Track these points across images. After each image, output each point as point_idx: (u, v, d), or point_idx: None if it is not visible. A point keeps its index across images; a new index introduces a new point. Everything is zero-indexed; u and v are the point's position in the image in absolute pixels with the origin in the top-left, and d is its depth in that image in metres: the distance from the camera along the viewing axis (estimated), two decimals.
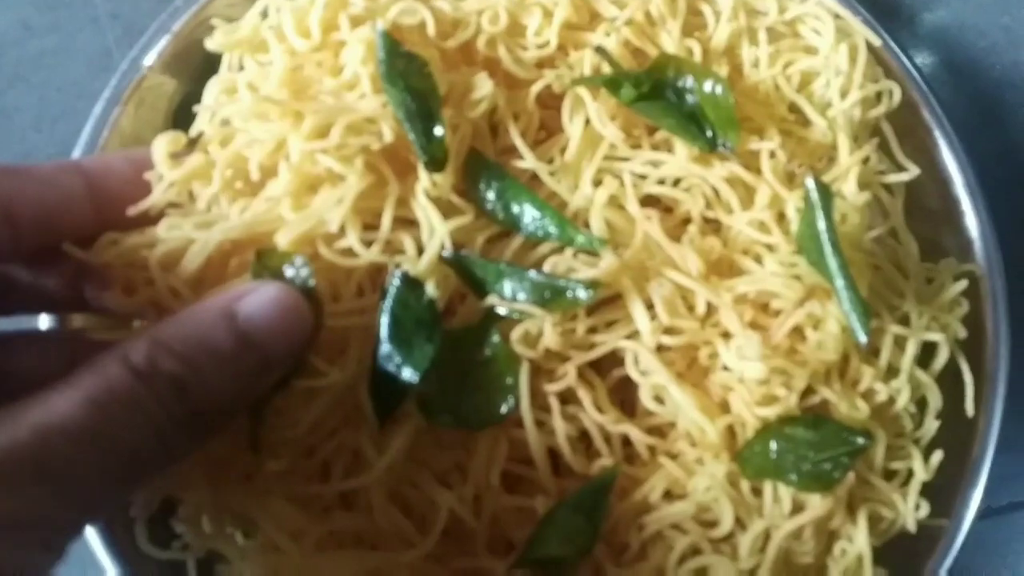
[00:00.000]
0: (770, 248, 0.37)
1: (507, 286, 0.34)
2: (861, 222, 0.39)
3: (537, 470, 0.34)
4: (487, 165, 0.36)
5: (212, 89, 0.38)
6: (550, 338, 0.34)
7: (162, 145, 0.34)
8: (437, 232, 0.33)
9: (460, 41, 0.37)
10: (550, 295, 0.34)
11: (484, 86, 0.35)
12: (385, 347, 0.32)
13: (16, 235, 0.30)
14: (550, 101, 0.39)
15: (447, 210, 0.34)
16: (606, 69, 0.38)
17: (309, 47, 0.36)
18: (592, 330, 0.35)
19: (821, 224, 0.35)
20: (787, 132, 0.40)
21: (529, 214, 0.35)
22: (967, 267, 0.42)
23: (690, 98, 0.38)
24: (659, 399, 0.35)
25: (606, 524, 0.34)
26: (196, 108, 0.38)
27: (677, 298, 0.35)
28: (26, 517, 0.24)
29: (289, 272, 0.31)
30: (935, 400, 0.40)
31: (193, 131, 0.38)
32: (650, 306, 0.35)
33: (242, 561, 0.34)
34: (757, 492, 0.35)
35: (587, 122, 0.37)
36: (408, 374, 0.32)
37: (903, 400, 0.38)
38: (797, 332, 0.36)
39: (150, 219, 0.33)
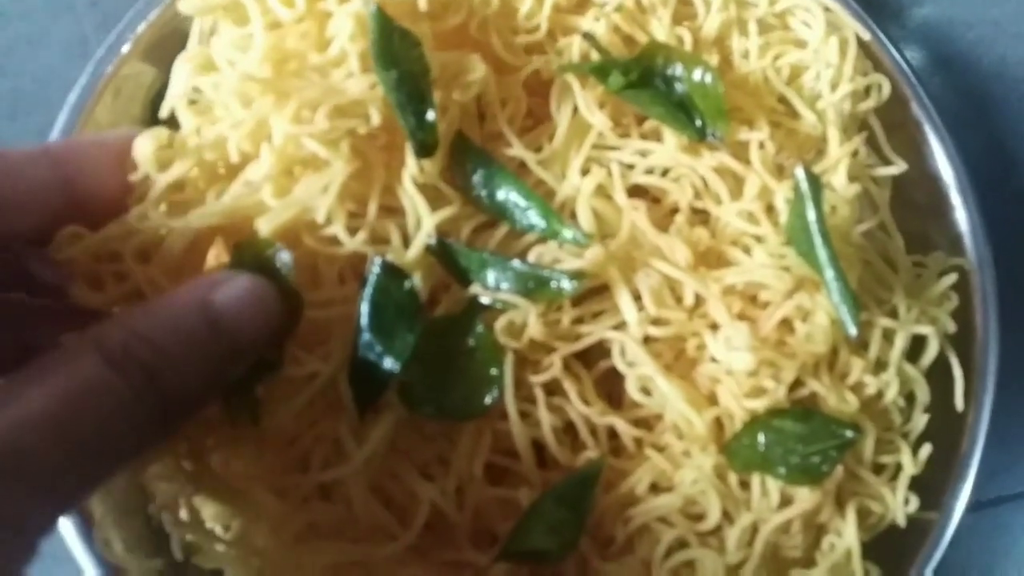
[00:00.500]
0: (759, 239, 0.37)
1: (490, 275, 0.33)
2: (851, 215, 0.39)
3: (521, 462, 0.33)
4: (474, 151, 0.35)
5: (182, 69, 0.36)
6: (535, 328, 0.33)
7: (147, 145, 0.33)
8: (424, 223, 0.32)
9: (452, 24, 0.36)
10: (534, 285, 0.33)
11: (477, 68, 0.35)
12: (365, 336, 0.31)
13: None
14: (538, 88, 0.38)
15: (434, 197, 0.33)
16: (595, 56, 0.37)
17: (293, 17, 0.34)
18: (578, 320, 0.35)
19: (811, 215, 0.35)
20: (776, 124, 0.39)
21: (515, 202, 0.35)
22: (956, 261, 0.42)
23: (679, 87, 0.38)
24: (646, 391, 0.35)
25: (591, 517, 0.33)
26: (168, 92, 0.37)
27: (664, 289, 0.35)
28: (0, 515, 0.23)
29: (270, 263, 0.30)
30: (923, 394, 0.40)
31: (163, 111, 0.36)
32: (637, 297, 0.35)
33: (220, 552, 0.33)
34: (745, 485, 0.35)
35: (575, 110, 0.37)
36: (389, 363, 0.31)
37: (892, 393, 0.38)
38: (786, 324, 0.36)
39: (123, 208, 0.32)
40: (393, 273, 0.32)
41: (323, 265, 0.32)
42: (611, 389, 0.36)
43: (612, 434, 0.35)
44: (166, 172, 0.32)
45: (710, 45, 0.40)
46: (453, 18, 0.36)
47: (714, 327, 0.35)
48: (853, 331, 0.34)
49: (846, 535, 0.36)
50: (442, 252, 0.33)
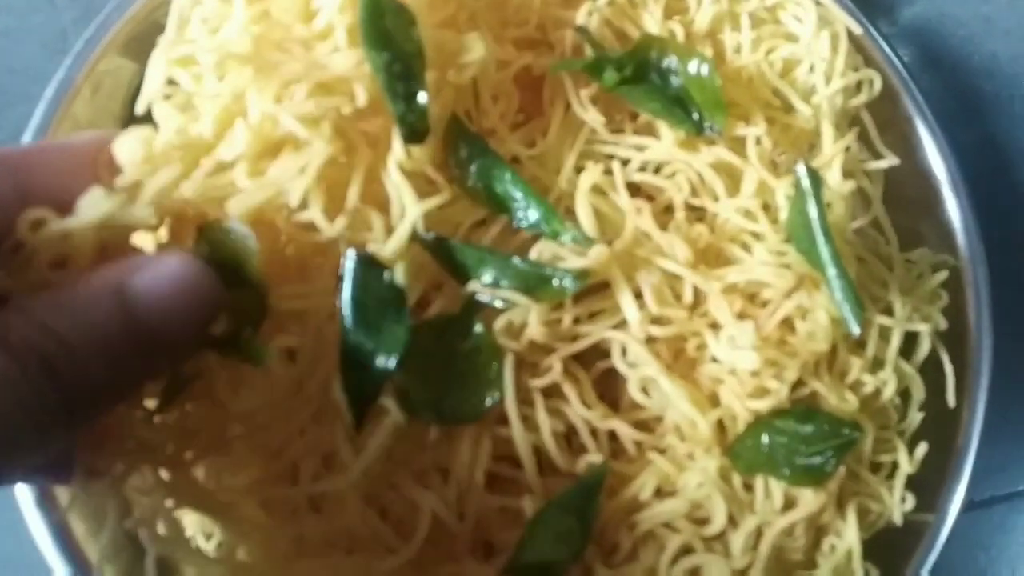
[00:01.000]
0: (758, 236, 0.36)
1: (490, 273, 0.32)
2: (846, 211, 0.39)
3: (521, 468, 0.32)
4: (470, 138, 0.34)
5: (159, 61, 0.33)
6: (535, 329, 0.32)
7: (132, 146, 0.29)
8: (409, 212, 0.30)
9: (442, 15, 0.34)
10: (535, 283, 0.32)
11: (476, 48, 0.32)
12: (352, 336, 0.29)
13: None
14: (530, 83, 0.37)
15: (423, 186, 0.31)
16: (587, 49, 0.37)
17: None
18: (576, 320, 0.34)
19: (813, 212, 0.35)
20: (770, 119, 0.39)
21: (514, 197, 0.34)
22: (943, 257, 0.42)
23: (675, 80, 0.37)
24: (646, 392, 0.34)
25: (596, 524, 0.32)
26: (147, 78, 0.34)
27: (665, 287, 0.34)
28: None
29: (233, 247, 0.28)
30: (918, 392, 0.39)
31: (140, 107, 0.34)
32: (637, 295, 0.34)
33: (203, 569, 0.32)
34: (748, 488, 0.34)
35: (568, 106, 0.36)
36: (382, 361, 0.29)
37: (889, 391, 0.38)
38: (786, 323, 0.35)
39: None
40: (369, 265, 0.30)
41: (300, 254, 0.30)
42: (606, 390, 0.35)
43: (612, 437, 0.34)
44: (154, 178, 0.29)
45: (702, 39, 0.39)
46: (443, 9, 0.35)
47: (714, 326, 0.34)
48: (856, 329, 0.34)
49: (847, 536, 0.35)
50: (438, 248, 0.32)
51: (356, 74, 0.30)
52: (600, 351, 0.35)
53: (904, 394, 0.39)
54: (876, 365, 0.38)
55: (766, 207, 0.37)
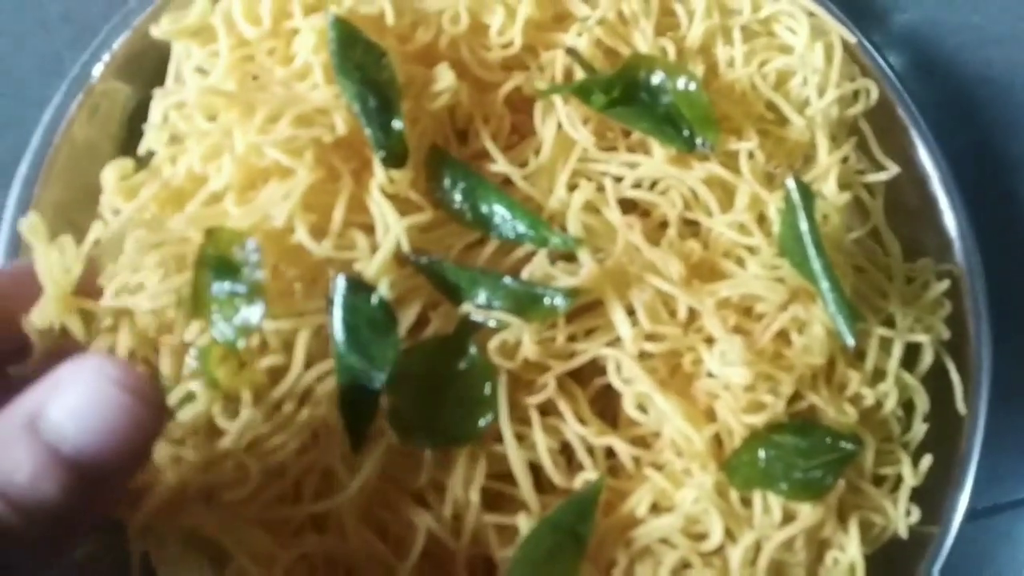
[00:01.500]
0: (752, 250, 0.36)
1: (482, 293, 0.33)
2: (842, 223, 0.39)
3: (518, 486, 0.32)
4: (451, 163, 0.34)
5: (159, 104, 0.36)
6: (528, 348, 0.32)
7: (112, 174, 0.33)
8: (392, 228, 0.31)
9: (420, 43, 0.35)
10: (527, 302, 0.32)
11: (445, 77, 0.34)
12: (346, 359, 0.30)
13: None
14: (520, 104, 0.37)
15: (407, 210, 0.33)
16: (578, 70, 0.37)
17: (259, 35, 0.34)
18: (571, 338, 0.34)
19: (803, 225, 0.35)
20: (764, 132, 0.39)
21: (500, 215, 0.34)
22: (946, 267, 0.42)
23: (664, 98, 0.37)
24: (642, 408, 0.34)
25: (592, 541, 0.32)
26: (145, 126, 0.37)
27: (659, 304, 0.34)
28: None
29: (239, 256, 0.29)
30: (922, 403, 0.39)
31: (142, 149, 0.37)
32: (631, 312, 0.34)
33: None
34: (746, 503, 0.34)
35: (559, 126, 0.36)
36: (374, 380, 0.30)
37: (891, 404, 0.37)
38: (782, 336, 0.35)
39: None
40: (358, 288, 0.31)
41: (291, 276, 0.31)
42: (605, 407, 0.36)
43: (609, 454, 0.34)
44: (132, 201, 0.32)
45: (695, 55, 0.40)
46: (422, 36, 0.36)
47: (710, 341, 0.34)
48: (851, 342, 0.34)
49: (849, 550, 0.35)
50: (431, 270, 0.33)
51: (334, 105, 0.32)
52: (598, 368, 0.35)
53: (908, 406, 0.39)
54: (877, 377, 0.37)
55: (761, 220, 0.37)
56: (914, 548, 0.39)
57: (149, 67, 0.39)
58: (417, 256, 0.32)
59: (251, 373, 0.30)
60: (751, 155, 0.37)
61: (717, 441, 0.34)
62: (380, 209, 0.32)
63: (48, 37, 0.48)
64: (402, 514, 0.31)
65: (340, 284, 0.30)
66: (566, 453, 0.34)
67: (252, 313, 0.30)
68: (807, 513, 0.34)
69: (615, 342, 0.34)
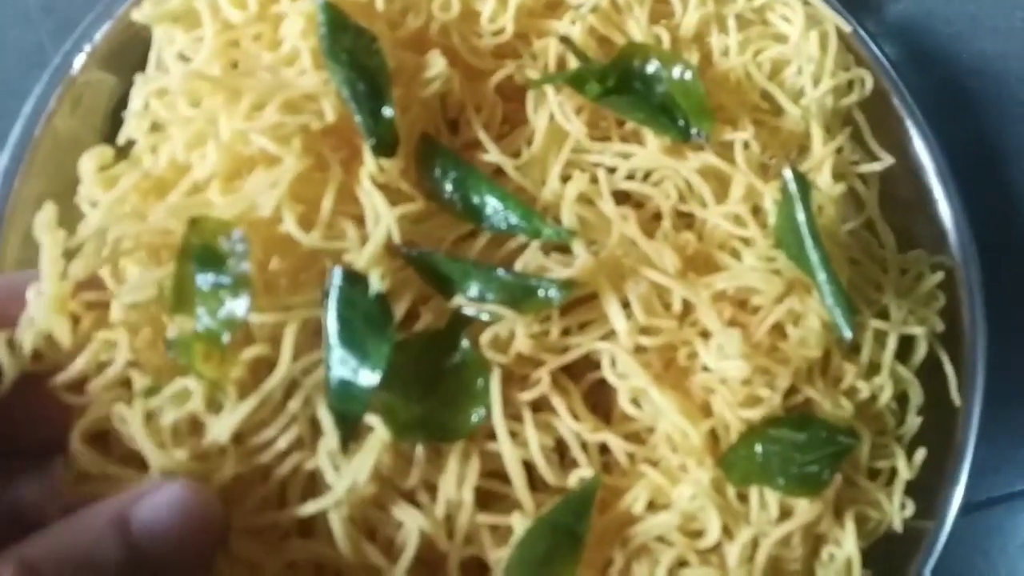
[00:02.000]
0: (747, 242, 0.36)
1: (474, 286, 0.32)
2: (837, 214, 0.38)
3: (511, 484, 0.32)
4: (442, 153, 0.34)
5: (140, 91, 0.35)
6: (522, 341, 0.32)
7: (90, 164, 0.32)
8: (383, 218, 0.31)
9: (411, 30, 0.35)
10: (521, 295, 0.32)
11: (437, 64, 0.33)
12: (337, 352, 0.29)
13: None
14: (513, 93, 0.37)
15: (398, 200, 0.32)
16: (571, 58, 0.36)
17: (244, 19, 0.33)
18: (565, 332, 0.33)
19: (800, 216, 0.34)
20: (759, 122, 0.38)
21: (491, 205, 0.33)
22: (939, 258, 0.42)
23: (659, 87, 0.37)
24: (636, 403, 0.34)
25: (588, 539, 0.32)
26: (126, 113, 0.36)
27: (654, 296, 0.34)
28: None
29: (224, 246, 0.29)
30: (916, 396, 0.39)
31: (121, 137, 0.35)
32: (625, 305, 0.33)
33: None
34: (743, 498, 0.33)
35: (552, 116, 0.36)
36: (366, 377, 0.29)
37: (885, 397, 0.37)
38: (777, 329, 0.35)
39: None
40: (355, 281, 0.30)
41: (277, 267, 0.31)
42: (598, 402, 0.35)
43: (603, 450, 0.34)
44: (111, 190, 0.31)
45: (689, 43, 0.39)
46: (412, 22, 0.35)
47: (705, 335, 0.34)
48: (848, 334, 0.33)
49: (845, 545, 0.35)
50: (422, 262, 0.32)
51: (323, 91, 0.31)
52: (591, 362, 0.34)
53: (901, 398, 0.39)
54: (872, 370, 0.37)
55: (756, 211, 0.37)
56: (908, 543, 0.39)
57: (134, 57, 0.38)
58: (408, 248, 0.32)
59: (234, 368, 0.29)
60: (746, 145, 0.37)
61: (713, 436, 0.33)
62: (370, 199, 0.31)
63: (30, 27, 0.47)
64: (392, 515, 0.31)
65: (337, 275, 0.30)
66: (559, 450, 0.33)
67: (237, 306, 0.29)
68: (804, 508, 0.33)
69: (609, 336, 0.33)
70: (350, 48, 0.31)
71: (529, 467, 0.32)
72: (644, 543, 0.32)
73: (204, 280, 0.29)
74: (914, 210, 0.43)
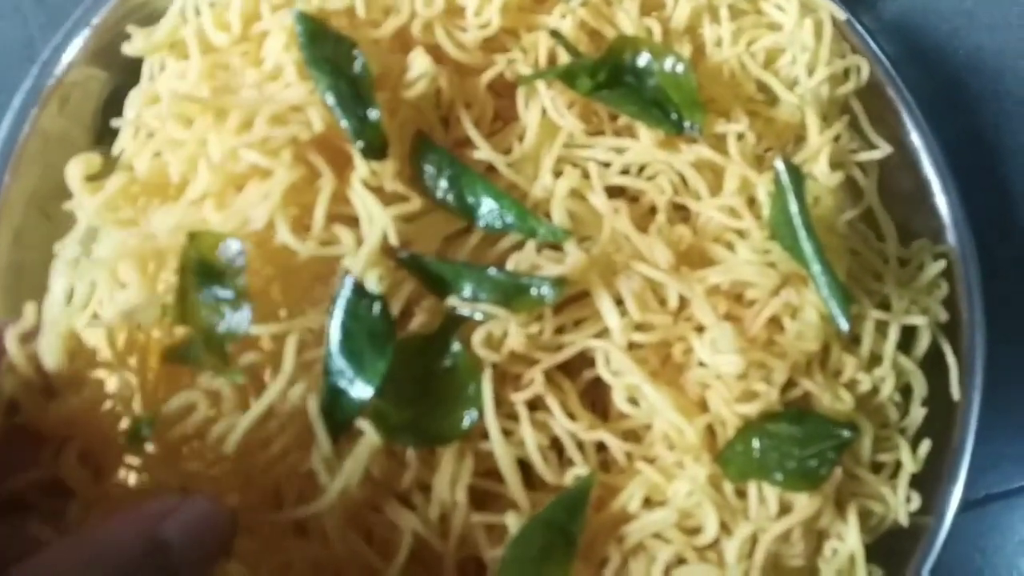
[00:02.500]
0: (741, 234, 0.36)
1: (467, 286, 0.32)
2: (835, 204, 0.38)
3: (505, 484, 0.31)
4: (434, 150, 0.34)
5: (133, 102, 0.36)
6: (515, 340, 0.31)
7: (77, 170, 0.32)
8: (377, 220, 0.31)
9: (393, 28, 0.35)
10: (513, 294, 0.31)
11: (420, 63, 0.33)
12: (336, 361, 0.30)
13: None
14: (503, 89, 0.37)
15: (392, 202, 0.32)
16: (561, 52, 0.36)
17: (229, 40, 0.34)
18: (559, 330, 0.33)
19: (793, 208, 0.34)
20: (754, 113, 0.38)
21: (486, 204, 0.33)
22: (941, 248, 0.41)
23: (651, 80, 0.36)
24: (632, 400, 0.33)
25: (583, 538, 0.31)
26: (115, 122, 0.36)
27: (647, 292, 0.33)
28: None
29: (223, 257, 0.29)
30: (920, 387, 0.38)
31: (116, 148, 0.36)
32: (619, 301, 0.33)
33: None
34: (741, 494, 0.33)
35: (544, 111, 0.35)
36: (359, 390, 0.29)
37: (888, 389, 0.37)
38: (774, 322, 0.34)
39: None
40: (363, 294, 0.30)
41: (277, 278, 0.31)
42: (595, 399, 0.35)
43: (600, 448, 0.33)
44: (96, 194, 0.31)
45: (681, 35, 0.39)
46: (393, 21, 0.35)
47: (700, 330, 0.34)
48: (845, 326, 0.33)
49: (848, 539, 0.34)
50: (414, 264, 0.32)
51: (309, 101, 0.31)
52: (587, 360, 0.34)
53: (905, 390, 0.38)
54: (873, 361, 0.37)
55: (751, 203, 0.36)
56: (908, 541, 0.39)
57: (121, 53, 0.38)
58: (400, 250, 0.32)
59: (235, 373, 0.30)
60: (741, 136, 0.36)
61: (710, 432, 0.33)
62: (363, 201, 0.31)
63: (19, 21, 0.47)
64: (387, 516, 0.30)
65: (347, 285, 0.30)
66: (555, 448, 0.33)
67: (239, 319, 0.29)
68: (804, 503, 0.33)
69: (603, 333, 0.33)
70: (330, 56, 0.32)
71: (524, 466, 0.32)
72: (640, 541, 0.32)
73: (206, 294, 0.29)
74: (912, 204, 0.43)
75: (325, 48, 0.32)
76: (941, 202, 0.42)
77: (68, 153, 0.35)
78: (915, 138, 0.42)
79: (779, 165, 0.34)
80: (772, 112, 0.39)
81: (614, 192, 0.36)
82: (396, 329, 0.31)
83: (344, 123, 0.31)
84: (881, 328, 0.37)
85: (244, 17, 0.35)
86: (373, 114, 0.31)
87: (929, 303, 0.39)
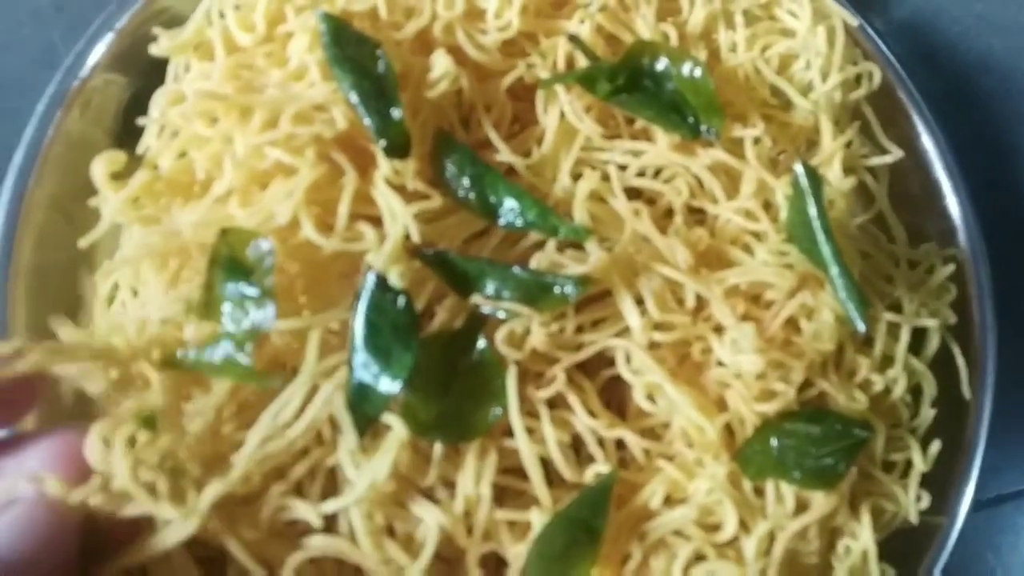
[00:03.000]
0: (759, 237, 0.36)
1: (491, 284, 0.32)
2: (847, 207, 0.38)
3: (529, 480, 0.32)
4: (456, 149, 0.34)
5: (158, 101, 0.36)
6: (537, 338, 0.32)
7: (101, 167, 0.32)
8: (399, 217, 0.31)
9: (415, 29, 0.35)
10: (537, 292, 0.32)
11: (441, 63, 0.34)
12: (361, 355, 0.30)
13: None
14: (522, 93, 0.37)
15: (414, 200, 0.32)
16: (579, 57, 0.36)
17: (253, 40, 0.34)
18: (579, 329, 0.33)
19: (812, 210, 0.34)
20: (768, 118, 0.39)
21: (507, 203, 0.34)
22: (950, 251, 0.42)
23: (669, 84, 0.37)
24: (651, 399, 0.34)
25: (605, 534, 0.32)
26: (141, 120, 0.37)
27: (667, 292, 0.34)
28: None
29: (253, 255, 0.29)
30: (930, 388, 0.39)
31: (141, 147, 0.36)
32: (639, 301, 0.33)
33: None
34: (759, 492, 0.33)
35: (562, 115, 0.36)
36: (386, 384, 0.30)
37: (900, 389, 0.37)
38: (791, 323, 0.35)
39: None
40: (387, 288, 0.30)
41: (301, 274, 0.31)
42: (613, 398, 0.35)
43: (619, 445, 0.34)
44: (121, 189, 0.31)
45: (696, 40, 0.39)
46: (415, 22, 0.35)
47: (719, 330, 0.34)
48: (862, 327, 0.33)
49: (862, 537, 0.35)
50: (439, 261, 0.32)
51: (332, 99, 0.31)
52: (606, 359, 0.34)
53: (915, 391, 0.39)
54: (885, 363, 0.37)
55: (767, 206, 0.37)
56: (920, 540, 0.39)
57: (144, 57, 0.39)
58: (424, 248, 0.32)
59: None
60: (757, 141, 0.37)
61: (728, 431, 0.34)
62: (386, 199, 0.31)
63: (42, 27, 0.47)
64: (412, 512, 0.31)
65: (370, 280, 0.30)
66: (575, 446, 0.33)
67: (263, 316, 0.29)
68: (821, 501, 0.33)
69: (623, 332, 0.34)
70: (354, 56, 0.32)
71: (546, 463, 0.32)
72: (661, 537, 0.32)
73: (232, 289, 0.30)
74: (922, 206, 0.43)
75: (349, 48, 0.32)
76: (951, 204, 0.43)
77: (90, 156, 0.35)
78: (925, 140, 0.43)
79: (798, 168, 0.35)
80: (786, 116, 0.39)
81: (631, 194, 0.36)
82: (420, 326, 0.31)
83: (367, 121, 0.31)
84: (893, 330, 0.38)
85: (269, 18, 0.35)
86: (396, 113, 0.32)
87: (939, 305, 0.39)
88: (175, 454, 0.28)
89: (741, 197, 0.36)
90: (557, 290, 0.32)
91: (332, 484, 0.31)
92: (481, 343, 0.32)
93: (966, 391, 0.39)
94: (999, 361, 0.41)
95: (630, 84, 0.36)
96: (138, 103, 0.38)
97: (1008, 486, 0.50)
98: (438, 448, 0.31)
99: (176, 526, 0.27)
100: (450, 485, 0.31)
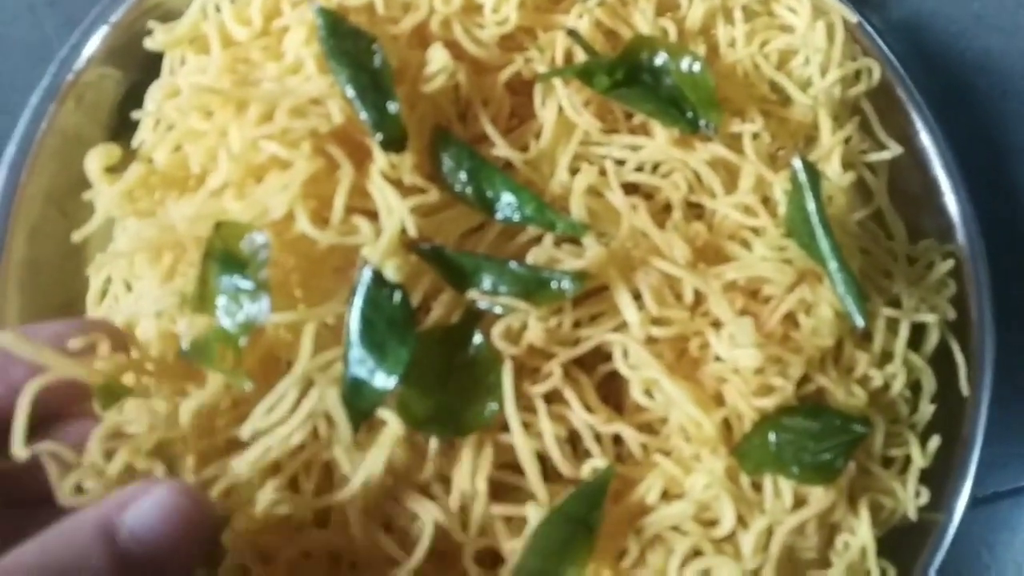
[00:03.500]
0: (757, 232, 0.36)
1: (487, 279, 0.32)
2: (846, 204, 0.38)
3: (525, 476, 0.31)
4: (454, 143, 0.34)
5: (153, 94, 0.36)
6: (534, 333, 0.32)
7: (96, 160, 0.32)
8: (395, 211, 0.31)
9: (412, 24, 0.35)
10: (534, 287, 0.32)
11: (438, 57, 0.34)
12: (356, 350, 0.30)
13: None
14: (520, 87, 0.37)
15: (411, 195, 0.32)
16: (578, 51, 0.36)
17: (249, 34, 0.34)
18: (576, 324, 0.33)
19: (810, 205, 0.34)
20: (767, 113, 0.39)
21: (504, 198, 0.34)
22: (948, 247, 0.42)
23: (667, 79, 0.37)
24: (649, 394, 0.34)
25: (602, 529, 0.31)
26: (135, 114, 0.37)
27: (665, 287, 0.34)
28: None
29: (247, 248, 0.29)
30: (929, 383, 0.39)
31: (135, 141, 0.36)
32: (636, 296, 0.33)
33: None
34: (757, 487, 0.33)
35: (560, 108, 0.36)
36: (382, 380, 0.29)
37: (899, 385, 0.37)
38: (789, 318, 0.35)
39: None
40: (383, 283, 0.30)
41: (296, 268, 0.31)
42: (610, 393, 0.35)
43: (616, 440, 0.34)
44: (115, 183, 0.31)
45: (695, 35, 0.39)
46: (412, 17, 0.35)
47: (717, 325, 0.34)
48: (861, 323, 0.33)
49: (860, 533, 0.35)
50: (436, 256, 0.32)
51: (329, 93, 0.31)
52: (603, 354, 0.34)
53: (914, 387, 0.39)
54: (884, 358, 0.37)
55: (766, 201, 0.37)
56: (917, 537, 0.39)
57: (139, 51, 0.39)
58: (420, 242, 0.32)
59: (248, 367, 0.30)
60: (756, 136, 0.37)
61: (726, 426, 0.33)
62: (381, 193, 0.31)
63: (35, 22, 0.47)
64: (407, 507, 0.31)
65: (366, 275, 0.30)
66: (572, 441, 0.33)
67: (257, 309, 0.29)
68: (819, 497, 0.33)
69: (621, 327, 0.33)
70: (351, 49, 0.32)
71: (542, 458, 0.32)
72: (658, 532, 0.32)
73: (226, 283, 0.30)
74: (921, 203, 0.43)
75: (345, 42, 0.32)
76: (950, 201, 0.43)
77: (84, 151, 0.35)
78: (924, 138, 0.43)
79: (797, 164, 0.35)
80: (785, 112, 0.39)
81: (628, 189, 0.36)
82: (416, 320, 0.31)
83: (364, 115, 0.31)
84: (891, 325, 0.37)
85: (265, 12, 0.35)
86: (393, 107, 0.32)
87: (938, 301, 0.39)
88: (170, 446, 0.28)
89: (740, 192, 0.36)
90: (554, 285, 0.32)
91: (327, 478, 0.31)
92: (477, 338, 0.32)
93: (964, 388, 0.39)
94: (999, 358, 0.41)
95: (629, 78, 0.36)
96: (133, 97, 0.38)
97: (1005, 483, 0.50)
98: (434, 443, 0.31)
99: None
100: (446, 480, 0.31)
